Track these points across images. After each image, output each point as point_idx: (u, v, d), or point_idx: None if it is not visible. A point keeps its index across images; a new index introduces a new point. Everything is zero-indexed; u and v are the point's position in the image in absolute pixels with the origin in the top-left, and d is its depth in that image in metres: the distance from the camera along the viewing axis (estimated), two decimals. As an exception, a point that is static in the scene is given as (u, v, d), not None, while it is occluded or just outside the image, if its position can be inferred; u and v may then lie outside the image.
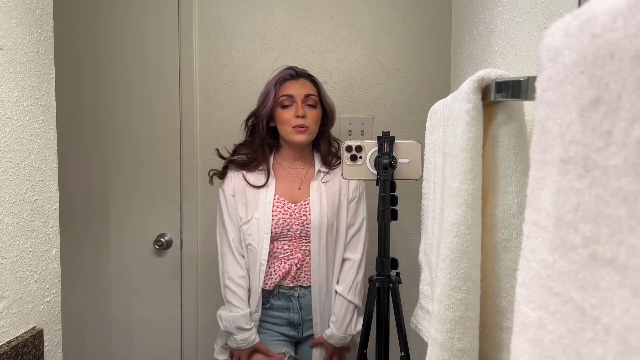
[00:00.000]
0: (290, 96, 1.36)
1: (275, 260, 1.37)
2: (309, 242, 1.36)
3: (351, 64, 1.77)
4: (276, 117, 1.39)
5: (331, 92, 1.78)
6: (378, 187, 1.04)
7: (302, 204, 1.37)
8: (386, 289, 1.07)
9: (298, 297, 1.39)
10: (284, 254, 1.37)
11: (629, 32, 0.24)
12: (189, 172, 1.82)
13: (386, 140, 1.05)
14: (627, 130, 0.25)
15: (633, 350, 0.25)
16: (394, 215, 1.05)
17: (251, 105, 1.85)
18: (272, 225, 1.34)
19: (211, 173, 1.46)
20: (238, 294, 1.37)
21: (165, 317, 1.87)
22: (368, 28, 1.76)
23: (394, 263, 1.08)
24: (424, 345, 0.85)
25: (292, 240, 1.37)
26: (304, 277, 1.38)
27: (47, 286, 1.04)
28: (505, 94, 0.58)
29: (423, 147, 1.02)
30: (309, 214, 1.36)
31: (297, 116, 1.34)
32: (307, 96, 1.37)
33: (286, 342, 1.42)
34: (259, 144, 1.41)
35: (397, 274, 1.10)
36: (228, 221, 1.40)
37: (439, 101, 0.89)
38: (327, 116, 1.44)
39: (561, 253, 0.30)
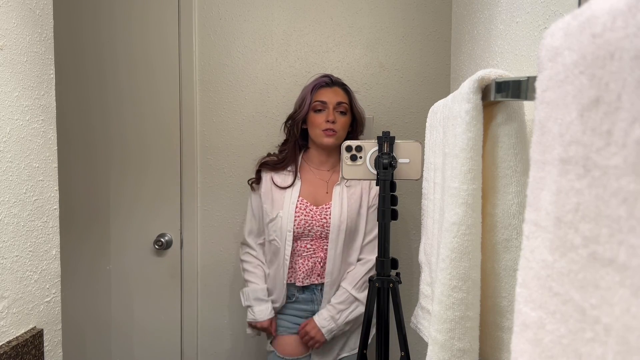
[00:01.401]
0: (323, 102, 1.47)
1: (300, 258, 1.47)
2: (328, 243, 1.45)
3: (351, 64, 1.77)
4: (309, 120, 1.49)
5: (331, 92, 1.78)
6: (378, 187, 1.04)
7: (323, 207, 1.47)
8: (386, 289, 1.07)
9: (321, 289, 1.48)
10: (307, 252, 1.46)
11: (629, 32, 0.24)
12: (189, 172, 1.82)
13: (386, 140, 1.05)
14: (627, 130, 0.25)
15: (633, 350, 0.25)
16: (394, 215, 1.05)
17: (251, 105, 1.85)
18: (294, 225, 1.44)
19: (250, 182, 1.56)
20: (255, 273, 1.53)
21: (165, 317, 1.88)
22: (368, 28, 1.76)
23: (394, 263, 1.08)
24: (424, 345, 0.85)
25: (314, 240, 1.46)
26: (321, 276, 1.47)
27: (47, 286, 1.04)
28: (505, 94, 0.58)
29: (423, 147, 1.02)
30: (329, 218, 1.45)
31: (328, 121, 1.45)
32: (339, 104, 1.48)
33: None
34: (291, 144, 1.53)
35: (397, 274, 1.10)
36: (250, 216, 1.57)
37: (439, 101, 0.89)
38: (356, 123, 1.54)
39: (561, 253, 0.30)
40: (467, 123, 0.64)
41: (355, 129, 1.54)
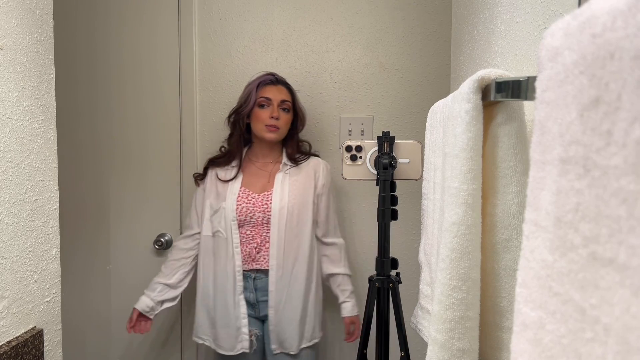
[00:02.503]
0: (268, 99, 1.53)
1: (240, 245, 1.52)
2: (270, 228, 1.50)
3: (351, 64, 1.77)
4: (253, 115, 1.54)
5: (331, 92, 1.78)
6: (378, 187, 1.04)
7: (265, 194, 1.52)
8: (386, 289, 1.07)
9: (254, 278, 1.51)
10: (245, 238, 1.51)
11: (629, 32, 0.24)
12: (189, 172, 1.82)
13: (386, 140, 1.05)
14: (627, 130, 0.25)
15: (633, 350, 0.25)
16: (394, 215, 1.05)
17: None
18: (236, 212, 1.49)
19: (195, 176, 1.64)
20: (172, 269, 1.59)
21: (165, 317, 1.87)
22: (368, 28, 1.76)
23: (394, 263, 1.08)
24: (424, 345, 0.85)
25: (254, 226, 1.51)
26: (263, 261, 1.51)
27: (47, 286, 1.04)
28: (505, 94, 0.58)
29: (423, 147, 1.02)
30: (270, 203, 1.50)
31: (272, 117, 1.51)
32: (283, 101, 1.54)
33: (253, 321, 1.55)
34: (236, 138, 1.59)
35: (397, 274, 1.10)
36: (193, 211, 1.62)
37: (439, 101, 0.89)
38: (298, 121, 1.61)
39: (561, 253, 0.30)
40: (467, 123, 0.64)
41: (295, 125, 1.61)
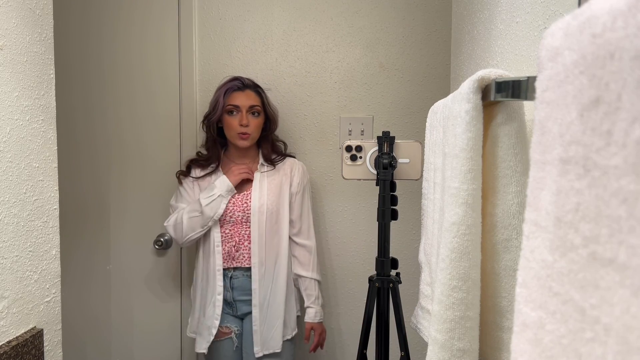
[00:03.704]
0: (236, 106, 1.53)
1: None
2: (249, 227, 1.52)
3: (351, 64, 1.77)
4: (223, 121, 1.56)
5: (331, 92, 1.78)
6: (378, 187, 1.04)
7: (245, 193, 1.55)
8: (386, 289, 1.07)
9: (231, 277, 1.53)
10: (225, 237, 1.53)
11: (629, 32, 0.24)
12: (189, 172, 1.82)
13: (386, 140, 1.05)
14: (627, 130, 0.25)
15: (633, 350, 0.25)
16: (394, 215, 1.05)
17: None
18: None
19: (178, 174, 1.64)
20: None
21: (165, 317, 1.88)
22: (368, 28, 1.76)
23: (394, 263, 1.08)
24: (424, 345, 0.85)
25: (234, 225, 1.53)
26: (242, 259, 1.53)
27: (47, 286, 1.04)
28: (505, 94, 0.58)
29: (423, 147, 1.02)
30: (250, 202, 1.53)
31: (241, 125, 1.52)
32: (252, 107, 1.55)
33: (231, 318, 1.56)
34: (212, 143, 1.62)
35: (397, 274, 1.10)
36: (184, 202, 1.60)
37: (439, 101, 0.89)
38: (269, 122, 1.62)
39: (561, 253, 0.30)
40: (467, 123, 0.64)
41: (269, 126, 1.62)
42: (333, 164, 1.79)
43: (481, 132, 0.64)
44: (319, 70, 1.78)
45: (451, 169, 0.69)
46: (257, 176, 1.57)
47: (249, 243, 1.52)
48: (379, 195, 1.04)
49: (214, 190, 1.50)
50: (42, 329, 1.01)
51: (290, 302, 1.58)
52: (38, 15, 0.99)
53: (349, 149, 1.07)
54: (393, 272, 1.08)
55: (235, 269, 1.53)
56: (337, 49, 1.77)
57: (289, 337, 1.56)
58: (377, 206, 1.05)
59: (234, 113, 1.53)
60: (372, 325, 1.10)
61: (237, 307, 1.55)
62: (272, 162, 1.61)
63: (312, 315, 1.58)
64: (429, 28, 1.74)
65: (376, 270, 1.07)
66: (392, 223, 1.06)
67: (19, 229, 0.95)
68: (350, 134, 1.78)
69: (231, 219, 1.52)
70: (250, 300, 1.53)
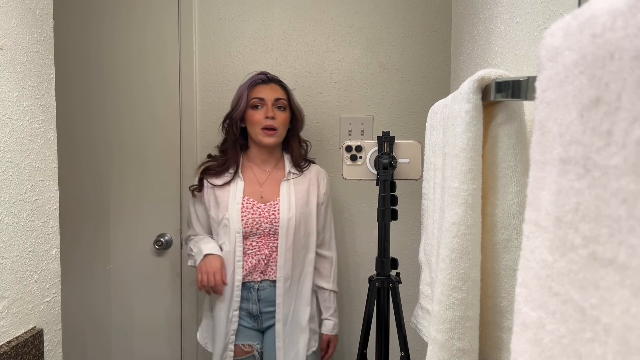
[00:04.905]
0: (261, 99, 1.44)
1: (244, 256, 1.44)
2: (277, 239, 1.44)
3: (351, 64, 1.77)
4: (247, 118, 1.46)
5: (331, 92, 1.78)
6: (378, 187, 1.04)
7: (271, 204, 1.45)
8: (386, 289, 1.07)
9: (258, 289, 1.45)
10: (252, 249, 1.44)
11: (629, 32, 0.24)
12: (189, 172, 1.82)
13: (386, 140, 1.05)
14: (627, 130, 0.25)
15: (633, 350, 0.25)
16: (394, 215, 1.05)
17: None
18: (242, 224, 1.41)
19: (191, 189, 1.52)
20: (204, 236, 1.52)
21: (165, 317, 1.88)
22: (368, 28, 1.76)
23: (394, 263, 1.08)
24: (424, 345, 0.85)
25: (261, 237, 1.44)
26: (270, 272, 1.45)
27: (47, 286, 1.04)
28: (505, 94, 0.58)
29: (423, 147, 1.02)
30: (278, 213, 1.43)
31: (267, 117, 1.42)
32: (277, 99, 1.46)
33: (252, 333, 1.48)
34: (231, 144, 1.50)
35: (397, 274, 1.10)
36: (196, 223, 1.54)
37: (439, 101, 0.89)
38: (295, 119, 1.52)
39: (561, 253, 0.30)
40: (467, 123, 0.64)
41: (294, 125, 1.52)
42: (333, 164, 1.79)
43: (481, 132, 0.64)
44: (319, 70, 1.78)
45: (451, 169, 0.69)
46: (283, 185, 1.46)
47: (277, 255, 1.44)
48: (379, 195, 1.04)
49: (194, 251, 1.46)
50: (42, 329, 1.01)
51: (313, 317, 1.50)
52: (38, 15, 0.99)
53: (349, 149, 1.07)
54: (393, 272, 1.08)
55: (261, 280, 1.45)
56: (337, 49, 1.77)
57: (312, 350, 1.49)
58: (377, 206, 1.05)
59: (259, 107, 1.44)
60: (372, 325, 1.10)
61: (262, 319, 1.47)
62: (301, 169, 1.51)
63: (330, 327, 1.53)
64: (429, 28, 1.74)
65: (376, 270, 1.07)
66: (392, 223, 1.06)
67: (19, 229, 0.95)
68: (350, 134, 1.78)
69: (257, 231, 1.42)
70: (275, 311, 1.45)
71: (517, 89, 0.55)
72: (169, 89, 1.81)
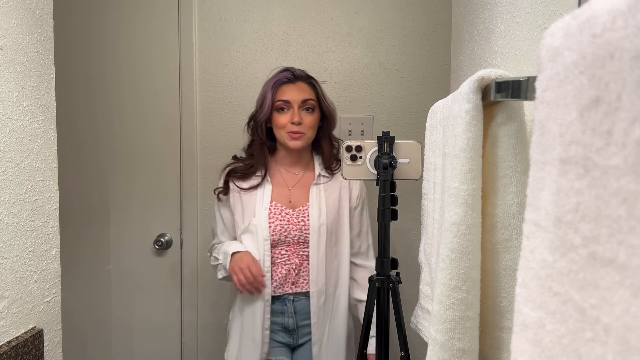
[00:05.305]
0: (286, 101, 1.33)
1: (273, 265, 1.34)
2: (307, 247, 1.33)
3: (351, 64, 1.77)
4: (273, 121, 1.36)
5: (331, 92, 1.78)
6: (378, 187, 1.04)
7: (300, 210, 1.35)
8: (386, 289, 1.07)
9: (293, 300, 1.35)
10: (280, 258, 1.34)
11: (629, 32, 0.24)
12: (189, 172, 1.82)
13: (386, 140, 1.05)
14: (627, 130, 0.25)
15: (633, 350, 0.25)
16: (394, 215, 1.05)
17: (251, 105, 1.84)
18: (270, 231, 1.32)
19: (216, 192, 1.42)
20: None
21: (165, 317, 1.88)
22: (368, 28, 1.76)
23: (394, 263, 1.08)
24: (424, 345, 0.85)
25: (290, 245, 1.34)
26: (302, 283, 1.35)
27: (47, 286, 1.04)
28: (505, 94, 0.58)
29: (423, 147, 1.02)
30: (307, 220, 1.33)
31: (293, 122, 1.31)
32: (305, 101, 1.34)
33: (283, 349, 1.38)
34: (258, 146, 1.39)
35: (397, 274, 1.10)
36: (222, 229, 1.44)
37: (439, 101, 0.89)
38: (326, 119, 1.41)
39: (561, 253, 0.30)
40: (467, 123, 0.64)
41: (325, 125, 1.41)
42: (333, 164, 1.79)
43: (481, 132, 0.64)
44: (319, 70, 1.78)
45: (451, 169, 0.69)
46: (313, 190, 1.35)
47: (308, 264, 1.33)
48: (379, 195, 1.04)
49: (220, 257, 1.35)
50: (42, 329, 1.01)
51: (351, 338, 1.39)
52: (38, 15, 0.99)
53: (349, 149, 1.07)
54: (393, 272, 1.08)
55: (296, 293, 1.35)
56: (337, 49, 1.77)
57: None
58: (377, 206, 1.05)
59: (285, 110, 1.33)
60: (372, 325, 1.10)
61: (298, 334, 1.36)
62: (332, 172, 1.39)
63: (374, 346, 1.40)
64: (429, 28, 1.74)
65: (376, 270, 1.07)
66: (392, 223, 1.06)
67: (19, 229, 0.95)
68: (350, 134, 1.78)
69: (286, 239, 1.32)
70: (310, 324, 1.34)
71: (517, 89, 0.55)
72: (169, 89, 1.81)
